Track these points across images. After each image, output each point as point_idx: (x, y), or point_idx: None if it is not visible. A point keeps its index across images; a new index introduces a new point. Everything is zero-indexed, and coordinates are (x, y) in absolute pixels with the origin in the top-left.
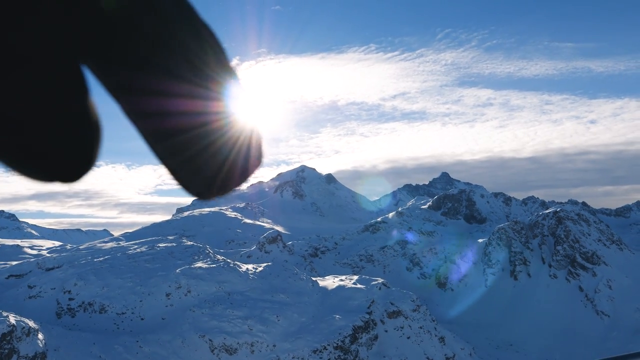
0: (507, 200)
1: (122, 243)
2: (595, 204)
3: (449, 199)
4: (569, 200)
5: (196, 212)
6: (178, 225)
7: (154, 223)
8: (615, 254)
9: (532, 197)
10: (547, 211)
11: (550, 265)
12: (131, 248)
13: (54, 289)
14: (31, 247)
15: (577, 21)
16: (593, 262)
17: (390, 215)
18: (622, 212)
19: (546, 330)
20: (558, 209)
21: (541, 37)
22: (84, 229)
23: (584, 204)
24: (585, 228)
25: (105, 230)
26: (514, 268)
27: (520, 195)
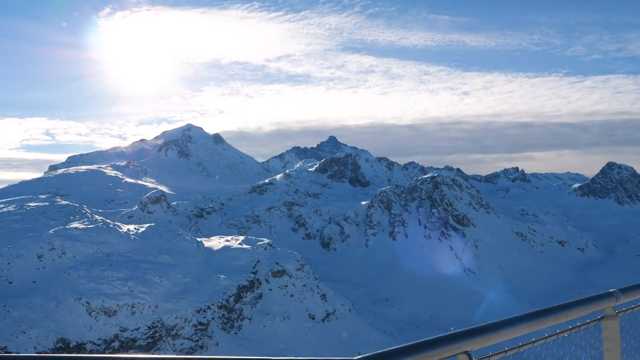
0: (390, 165)
1: None
2: (468, 170)
3: (336, 163)
4: (445, 167)
5: (72, 170)
6: (51, 184)
7: (23, 181)
8: (483, 216)
9: (413, 162)
10: (425, 176)
11: (425, 227)
12: None
13: None
14: None
15: None
16: (464, 224)
17: (278, 177)
18: (491, 178)
19: (419, 286)
20: (435, 175)
21: (420, 7)
22: None
23: (458, 170)
24: (459, 192)
25: None
26: (393, 229)
27: (401, 161)
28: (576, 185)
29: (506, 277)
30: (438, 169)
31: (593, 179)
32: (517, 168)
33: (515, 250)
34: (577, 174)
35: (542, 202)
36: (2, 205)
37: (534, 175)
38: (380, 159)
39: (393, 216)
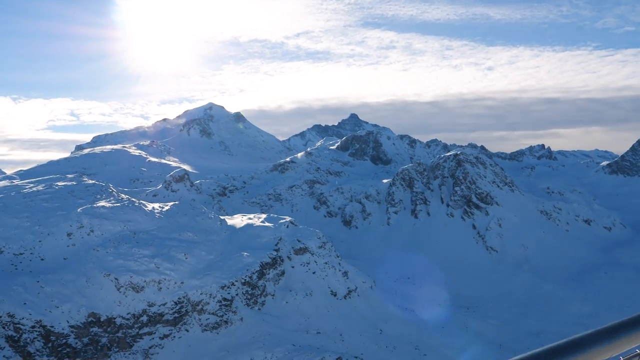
0: (412, 142)
1: (16, 181)
2: (492, 147)
3: (357, 140)
4: (469, 144)
5: (97, 149)
6: (78, 163)
7: (51, 161)
8: (507, 195)
9: (436, 140)
10: (448, 154)
11: (448, 205)
12: (27, 187)
13: None
14: None
15: None
16: (487, 202)
17: (299, 155)
18: (516, 156)
19: (441, 264)
20: (458, 152)
21: None
22: None
23: (482, 147)
24: (482, 170)
25: None
26: (415, 207)
27: (423, 138)
28: (604, 162)
29: (529, 256)
30: (461, 146)
31: (622, 156)
32: (542, 145)
33: (539, 228)
34: (606, 152)
35: (569, 180)
36: (31, 185)
37: (560, 152)
38: (402, 137)
39: (415, 194)
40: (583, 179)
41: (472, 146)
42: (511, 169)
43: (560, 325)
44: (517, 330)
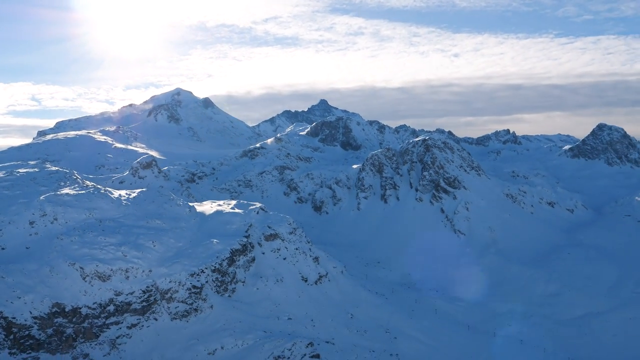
0: (381, 128)
1: None
2: (459, 133)
3: (327, 126)
4: (436, 129)
5: (61, 135)
6: (40, 150)
7: (12, 147)
8: (474, 179)
9: (404, 125)
10: (416, 139)
11: (417, 190)
12: None
13: None
14: None
15: None
16: (455, 186)
17: (269, 141)
18: (482, 141)
19: (410, 248)
20: (427, 137)
21: None
22: None
23: (450, 133)
24: (450, 155)
25: None
26: (384, 192)
27: (392, 124)
28: (567, 146)
29: (496, 239)
30: (429, 131)
31: (583, 140)
32: (508, 130)
33: (505, 211)
34: (568, 136)
35: (533, 164)
36: None
37: (524, 137)
38: (371, 122)
39: (384, 179)
40: (547, 163)
41: (440, 131)
42: (478, 153)
43: (527, 305)
44: (485, 311)
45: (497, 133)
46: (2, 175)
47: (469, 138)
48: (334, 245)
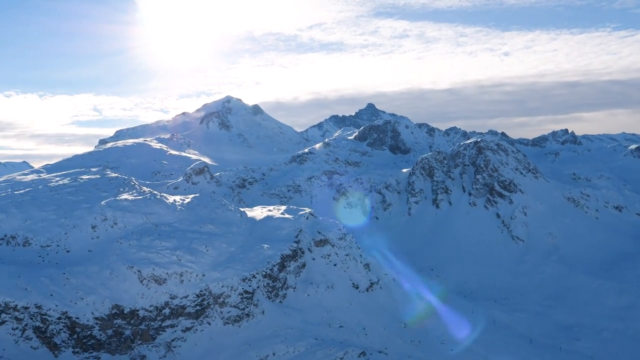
0: (431, 131)
1: (43, 175)
2: (513, 134)
3: (375, 130)
4: (489, 131)
5: (120, 143)
6: (101, 157)
7: (76, 155)
8: (531, 182)
9: (455, 127)
10: (468, 141)
11: (470, 194)
12: (53, 180)
13: None
14: None
15: None
16: (510, 190)
17: (317, 146)
18: (539, 142)
19: (465, 255)
20: (478, 139)
21: None
22: (2, 161)
23: (503, 134)
24: (504, 157)
25: (25, 162)
26: (436, 197)
27: (442, 126)
28: (633, 146)
29: (558, 246)
30: (481, 133)
31: None
32: (566, 130)
33: (567, 216)
34: (634, 134)
35: (596, 165)
36: (57, 178)
37: (585, 137)
38: (420, 125)
39: (436, 183)
40: (611, 164)
41: (493, 133)
42: (534, 155)
43: (596, 318)
44: (548, 323)
45: (554, 133)
46: (67, 182)
47: (524, 139)
48: (385, 251)
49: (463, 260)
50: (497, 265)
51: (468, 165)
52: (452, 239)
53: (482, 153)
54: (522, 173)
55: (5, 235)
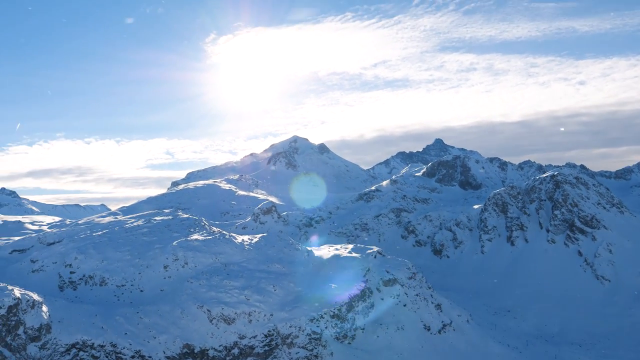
0: (503, 165)
1: (120, 217)
2: (593, 166)
3: (443, 166)
4: (566, 164)
5: (191, 185)
6: (173, 199)
7: (150, 197)
8: (615, 217)
9: (529, 161)
10: (544, 175)
11: (548, 230)
12: (128, 222)
13: (56, 262)
14: (32, 223)
15: None
16: (592, 226)
17: (384, 183)
18: (623, 174)
19: (544, 295)
20: (555, 173)
21: None
22: (82, 204)
23: (582, 166)
24: (584, 191)
25: (102, 205)
26: (510, 234)
27: (514, 160)
28: None
29: None
30: (558, 166)
31: None
32: None
33: None
34: None
35: None
36: (132, 220)
37: None
38: (491, 160)
39: (510, 220)
40: None
41: (571, 166)
42: (618, 188)
43: None
44: None
45: None
46: (141, 223)
47: (606, 172)
48: (457, 291)
49: (542, 301)
50: (580, 307)
51: (545, 200)
52: (530, 278)
53: (560, 187)
54: (605, 208)
55: (84, 275)
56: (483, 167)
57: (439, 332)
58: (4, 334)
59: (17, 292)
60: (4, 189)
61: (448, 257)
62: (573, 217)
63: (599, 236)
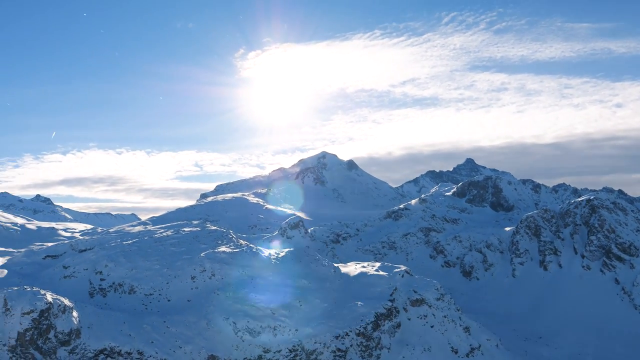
0: (536, 187)
1: (149, 227)
2: (632, 192)
3: (475, 186)
4: (603, 188)
5: (219, 197)
6: (202, 210)
7: (179, 208)
8: None
9: (563, 184)
10: (579, 199)
11: (583, 256)
12: (158, 232)
13: (87, 269)
14: (65, 230)
15: (591, 0)
16: (631, 253)
17: (413, 202)
18: None
19: (579, 323)
20: (592, 197)
21: (554, 17)
22: (113, 212)
23: (620, 191)
24: (622, 217)
25: (133, 214)
26: (543, 258)
27: (547, 183)
28: None
29: None
30: (594, 190)
31: None
32: None
33: None
34: None
35: None
36: (162, 230)
37: None
38: (524, 181)
39: (543, 244)
40: None
41: (608, 190)
42: None
43: None
44: None
45: None
46: (170, 234)
47: None
48: (487, 314)
49: (576, 329)
50: (617, 337)
51: (580, 225)
52: (563, 305)
53: (597, 212)
54: None
55: (114, 283)
56: (515, 189)
57: (467, 355)
58: (35, 337)
59: (50, 296)
60: (39, 195)
61: (478, 279)
62: (610, 244)
63: (638, 264)
